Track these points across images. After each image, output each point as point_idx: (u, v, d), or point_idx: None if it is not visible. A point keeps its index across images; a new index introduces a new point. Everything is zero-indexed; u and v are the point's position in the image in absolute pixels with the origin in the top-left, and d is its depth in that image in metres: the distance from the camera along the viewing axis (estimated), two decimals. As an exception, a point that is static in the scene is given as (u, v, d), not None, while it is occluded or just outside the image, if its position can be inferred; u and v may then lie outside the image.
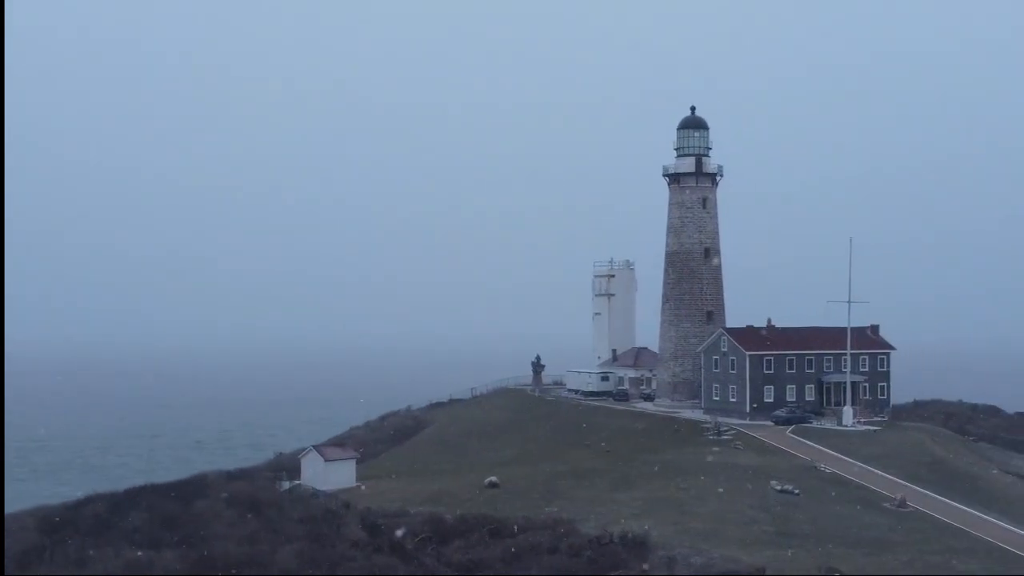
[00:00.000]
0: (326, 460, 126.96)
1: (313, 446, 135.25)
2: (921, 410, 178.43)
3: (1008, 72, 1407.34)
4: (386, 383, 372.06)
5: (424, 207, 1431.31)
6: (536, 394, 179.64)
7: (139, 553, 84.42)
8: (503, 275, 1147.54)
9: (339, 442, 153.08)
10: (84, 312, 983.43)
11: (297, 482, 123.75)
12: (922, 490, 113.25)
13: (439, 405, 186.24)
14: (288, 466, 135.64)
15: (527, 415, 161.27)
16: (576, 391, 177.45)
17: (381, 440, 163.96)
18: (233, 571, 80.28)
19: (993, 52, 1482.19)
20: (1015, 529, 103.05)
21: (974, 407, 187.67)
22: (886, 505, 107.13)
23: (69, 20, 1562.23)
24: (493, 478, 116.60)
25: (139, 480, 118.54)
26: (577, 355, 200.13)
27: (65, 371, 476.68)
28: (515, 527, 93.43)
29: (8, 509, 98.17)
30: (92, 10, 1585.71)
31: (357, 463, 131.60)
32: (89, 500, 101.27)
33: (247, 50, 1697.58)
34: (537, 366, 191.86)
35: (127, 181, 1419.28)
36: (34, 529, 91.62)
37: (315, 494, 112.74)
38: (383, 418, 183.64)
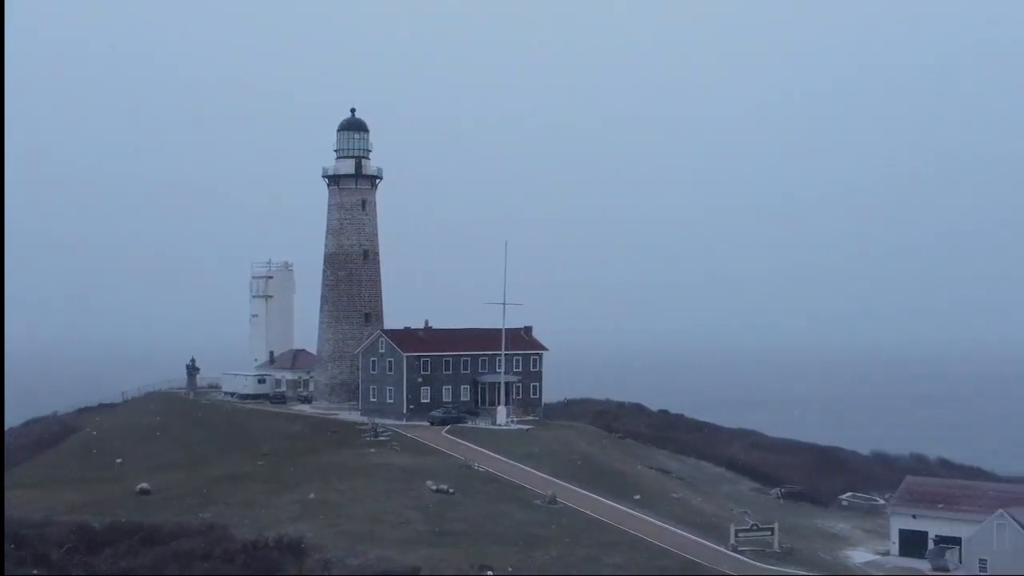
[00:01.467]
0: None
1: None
2: (572, 409, 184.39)
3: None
4: (27, 386, 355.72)
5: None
6: (191, 397, 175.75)
7: None
8: (157, 274, 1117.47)
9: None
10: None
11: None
12: (572, 487, 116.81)
13: (88, 410, 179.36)
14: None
15: (181, 419, 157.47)
16: (233, 394, 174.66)
17: (24, 447, 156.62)
18: None
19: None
20: (659, 522, 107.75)
21: (621, 405, 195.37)
22: (537, 502, 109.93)
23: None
24: (145, 484, 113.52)
25: None
26: (235, 357, 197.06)
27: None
28: (167, 534, 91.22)
29: None
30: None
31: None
32: None
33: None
34: (192, 369, 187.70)
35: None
36: None
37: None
38: (27, 424, 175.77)
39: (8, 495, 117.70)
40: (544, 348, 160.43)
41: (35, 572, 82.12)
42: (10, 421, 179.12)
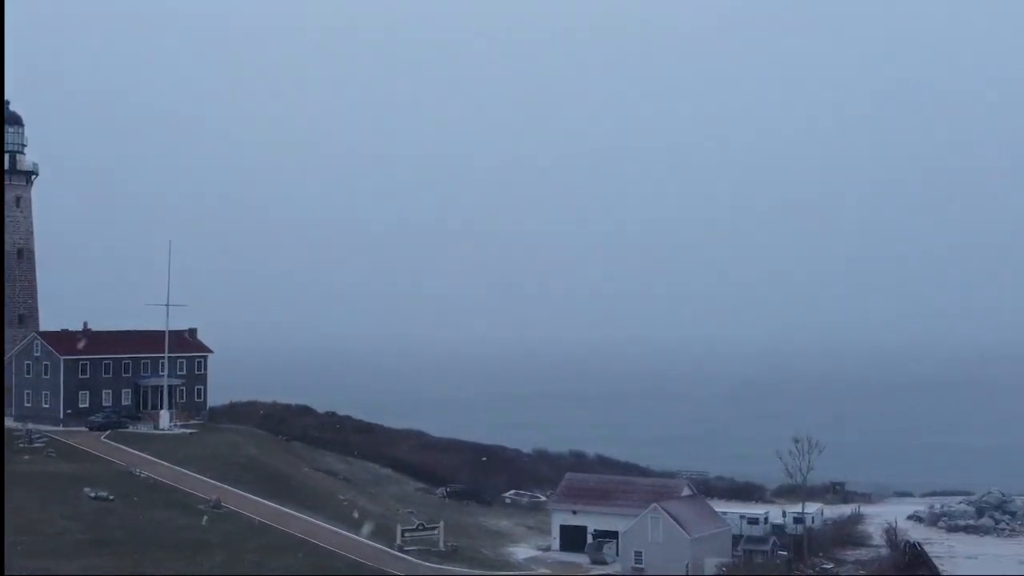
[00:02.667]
0: None
1: None
2: (237, 411, 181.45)
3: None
4: None
5: None
6: None
7: None
8: None
9: None
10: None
11: None
12: (238, 491, 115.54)
13: None
14: None
15: None
16: None
17: None
18: None
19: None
20: (325, 524, 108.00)
21: (288, 407, 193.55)
22: (202, 507, 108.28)
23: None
24: None
25: None
26: None
27: None
28: None
29: None
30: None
31: None
32: None
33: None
34: None
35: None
36: None
37: None
38: None
39: None
40: (209, 350, 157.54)
41: None
42: None
